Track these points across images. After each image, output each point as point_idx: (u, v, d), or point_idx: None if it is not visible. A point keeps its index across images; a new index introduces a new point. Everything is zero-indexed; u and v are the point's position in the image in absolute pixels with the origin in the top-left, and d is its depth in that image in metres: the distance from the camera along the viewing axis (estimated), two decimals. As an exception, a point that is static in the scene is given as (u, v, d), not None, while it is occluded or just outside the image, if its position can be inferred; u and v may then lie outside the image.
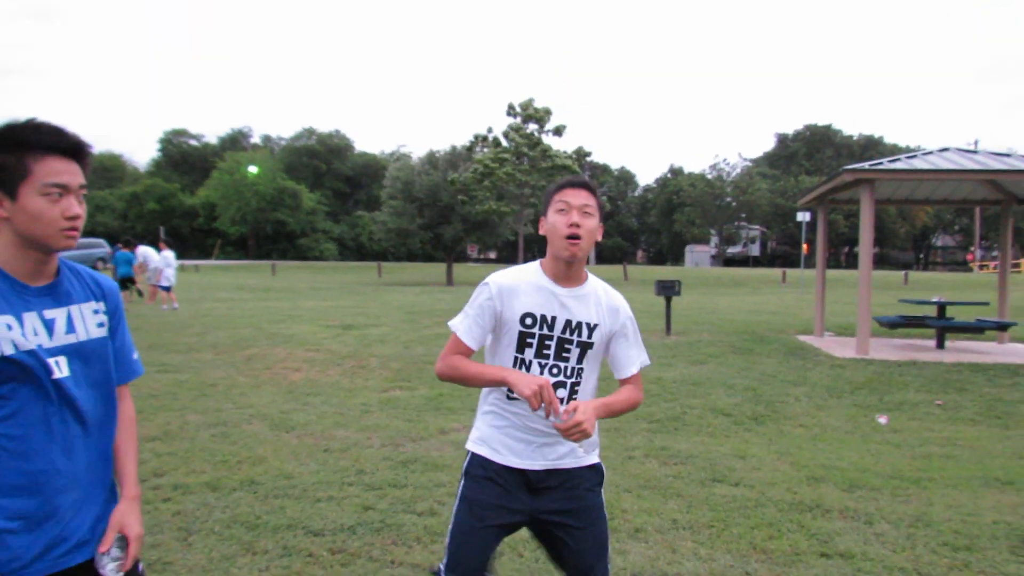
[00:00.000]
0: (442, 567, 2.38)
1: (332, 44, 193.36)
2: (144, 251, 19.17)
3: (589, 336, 2.36)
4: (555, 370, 2.35)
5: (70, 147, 1.71)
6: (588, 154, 39.31)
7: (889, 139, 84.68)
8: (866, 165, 10.89)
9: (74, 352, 1.78)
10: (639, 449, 5.88)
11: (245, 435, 6.16)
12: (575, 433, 2.14)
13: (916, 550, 3.97)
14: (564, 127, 36.76)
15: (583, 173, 56.05)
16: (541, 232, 2.40)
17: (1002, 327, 11.87)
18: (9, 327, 1.66)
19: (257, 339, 11.69)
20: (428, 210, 37.61)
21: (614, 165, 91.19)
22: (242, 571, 3.63)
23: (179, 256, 19.32)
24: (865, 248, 10.94)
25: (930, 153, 11.43)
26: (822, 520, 4.39)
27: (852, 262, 62.19)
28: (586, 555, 2.38)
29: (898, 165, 10.74)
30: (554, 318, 2.33)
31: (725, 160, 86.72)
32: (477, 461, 2.41)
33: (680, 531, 4.20)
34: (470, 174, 34.03)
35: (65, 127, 1.70)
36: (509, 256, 61.26)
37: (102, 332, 1.87)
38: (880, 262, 68.01)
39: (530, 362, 2.34)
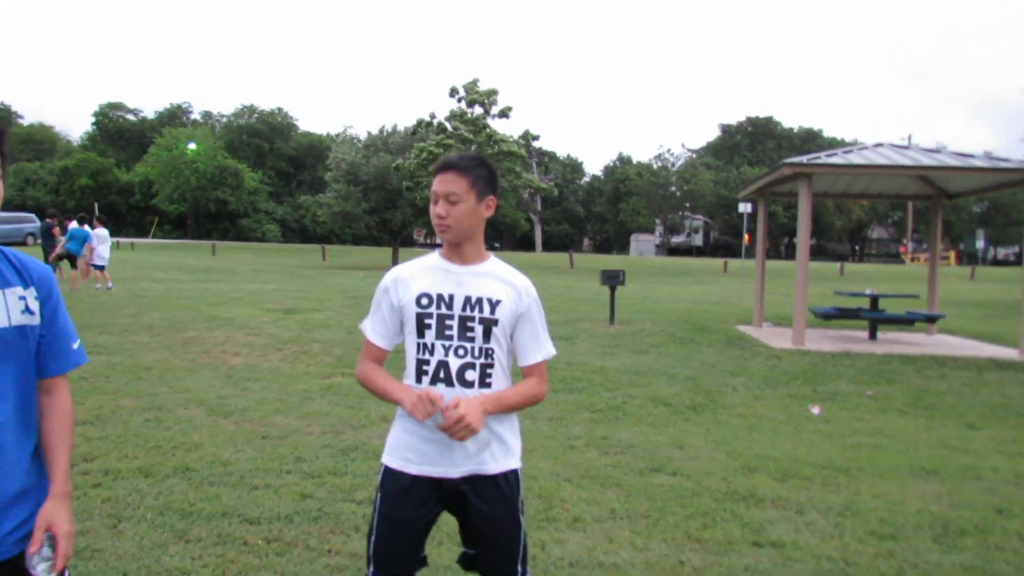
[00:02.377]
0: (369, 573, 2.34)
1: (276, 18, 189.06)
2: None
3: (492, 312, 2.26)
4: (461, 351, 2.24)
5: None
6: (536, 137, 39.15)
7: (828, 132, 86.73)
8: (804, 159, 11.07)
9: None
10: (580, 439, 5.94)
11: (180, 420, 6.02)
12: (460, 430, 2.08)
13: (844, 539, 4.09)
14: (510, 109, 36.46)
15: (530, 160, 56.01)
16: None
17: (931, 319, 12.30)
18: None
19: (195, 322, 11.41)
20: (374, 194, 37.10)
21: (561, 153, 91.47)
22: (174, 559, 3.55)
23: (114, 234, 18.74)
24: (803, 240, 11.16)
25: (865, 148, 11.71)
26: (755, 509, 4.49)
27: (791, 253, 63.60)
28: (494, 563, 2.34)
29: (835, 160, 10.97)
30: (451, 296, 2.26)
31: (669, 150, 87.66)
32: (390, 474, 2.34)
33: (617, 520, 4.26)
34: (414, 160, 33.57)
35: None
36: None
37: (26, 319, 1.75)
38: (817, 253, 69.70)
39: (432, 345, 2.25)
